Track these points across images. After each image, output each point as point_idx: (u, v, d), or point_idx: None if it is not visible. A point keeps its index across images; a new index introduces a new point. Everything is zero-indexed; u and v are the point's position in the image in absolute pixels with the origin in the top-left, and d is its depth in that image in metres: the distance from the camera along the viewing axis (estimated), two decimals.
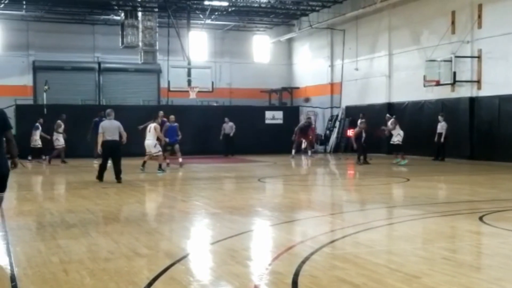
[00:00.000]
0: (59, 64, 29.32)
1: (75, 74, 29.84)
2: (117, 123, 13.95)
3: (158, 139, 16.92)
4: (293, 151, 23.65)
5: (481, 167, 18.57)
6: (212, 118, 26.68)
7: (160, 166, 16.68)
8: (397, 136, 20.13)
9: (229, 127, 25.60)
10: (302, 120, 25.76)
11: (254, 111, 27.82)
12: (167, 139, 17.94)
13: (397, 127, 20.19)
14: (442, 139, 20.84)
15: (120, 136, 13.91)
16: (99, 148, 14.03)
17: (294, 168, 19.84)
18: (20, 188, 13.16)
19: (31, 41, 29.43)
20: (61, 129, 21.39)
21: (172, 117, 18.40)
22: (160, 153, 16.86)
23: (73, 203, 10.51)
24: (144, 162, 16.78)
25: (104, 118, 20.26)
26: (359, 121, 21.06)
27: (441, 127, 20.91)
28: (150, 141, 16.60)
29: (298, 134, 23.93)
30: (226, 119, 25.68)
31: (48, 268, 5.58)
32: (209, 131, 26.31)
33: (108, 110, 14.45)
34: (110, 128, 13.88)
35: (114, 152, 13.93)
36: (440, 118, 21.05)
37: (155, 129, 16.66)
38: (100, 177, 14.05)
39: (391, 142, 20.56)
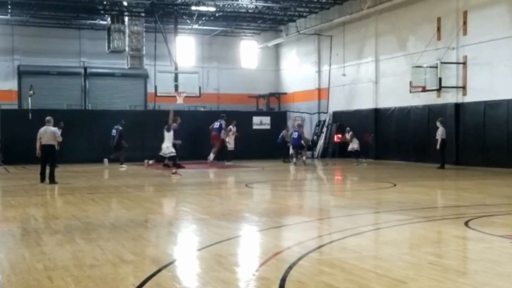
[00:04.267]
0: (44, 69, 29.10)
1: (61, 79, 29.67)
2: (52, 130, 14.93)
3: None
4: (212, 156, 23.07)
5: (467, 173, 18.69)
6: (200, 123, 26.61)
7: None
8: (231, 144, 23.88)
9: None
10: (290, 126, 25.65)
11: (241, 116, 27.78)
12: None
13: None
14: (438, 146, 19.91)
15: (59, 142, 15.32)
16: (38, 151, 14.98)
17: (282, 174, 19.83)
18: (5, 194, 13.01)
19: (16, 46, 29.17)
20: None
21: None
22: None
23: (58, 209, 10.42)
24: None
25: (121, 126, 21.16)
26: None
27: (440, 132, 19.94)
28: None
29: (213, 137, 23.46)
30: None
31: (33, 275, 5.51)
32: (196, 137, 26.23)
33: (48, 118, 15.26)
34: (45, 134, 14.90)
35: (49, 156, 15.02)
36: (438, 123, 20.19)
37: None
38: (42, 179, 15.07)
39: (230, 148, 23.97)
